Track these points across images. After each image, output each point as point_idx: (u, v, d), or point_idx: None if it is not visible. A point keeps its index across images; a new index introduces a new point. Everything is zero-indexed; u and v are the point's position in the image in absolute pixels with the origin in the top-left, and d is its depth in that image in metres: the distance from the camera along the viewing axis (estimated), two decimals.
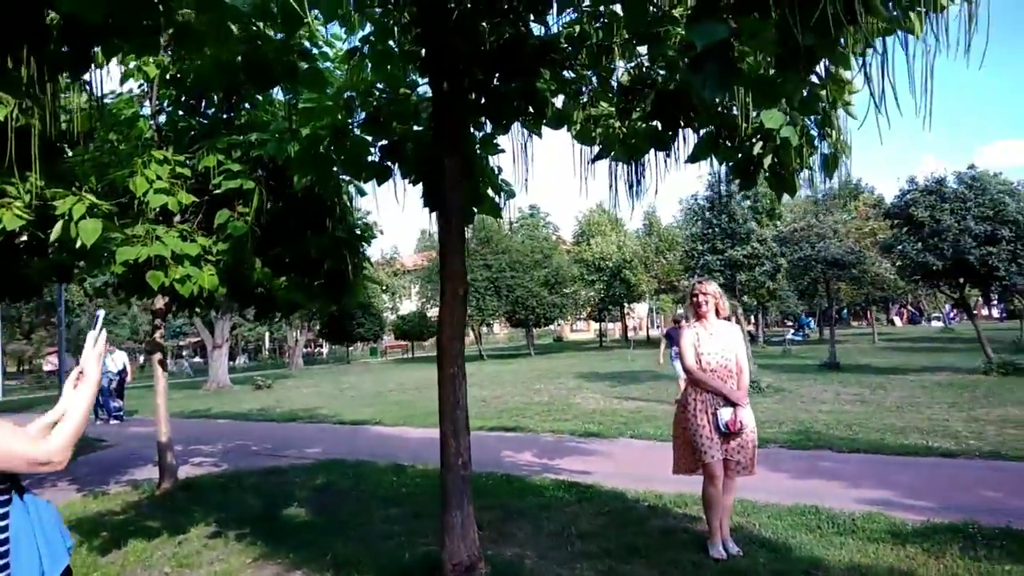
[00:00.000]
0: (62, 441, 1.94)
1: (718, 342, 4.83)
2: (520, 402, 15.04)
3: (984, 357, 15.03)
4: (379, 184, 5.53)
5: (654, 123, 5.33)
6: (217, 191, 6.99)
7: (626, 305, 46.36)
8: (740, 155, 5.22)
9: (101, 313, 2.25)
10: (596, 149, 5.69)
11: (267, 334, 64.93)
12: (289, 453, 10.16)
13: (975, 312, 16.78)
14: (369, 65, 4.92)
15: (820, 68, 4.75)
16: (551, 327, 53.23)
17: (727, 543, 4.68)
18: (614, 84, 5.28)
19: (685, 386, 4.93)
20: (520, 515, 5.83)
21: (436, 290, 35.25)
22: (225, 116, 7.71)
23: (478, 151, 5.80)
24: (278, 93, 6.85)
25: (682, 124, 5.32)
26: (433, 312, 44.77)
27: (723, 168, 5.36)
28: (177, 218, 7.30)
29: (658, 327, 44.10)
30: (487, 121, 5.67)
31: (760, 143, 5.11)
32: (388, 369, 34.77)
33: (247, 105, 7.64)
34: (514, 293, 35.19)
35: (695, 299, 4.96)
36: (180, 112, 7.88)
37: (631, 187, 5.83)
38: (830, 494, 6.18)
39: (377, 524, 5.83)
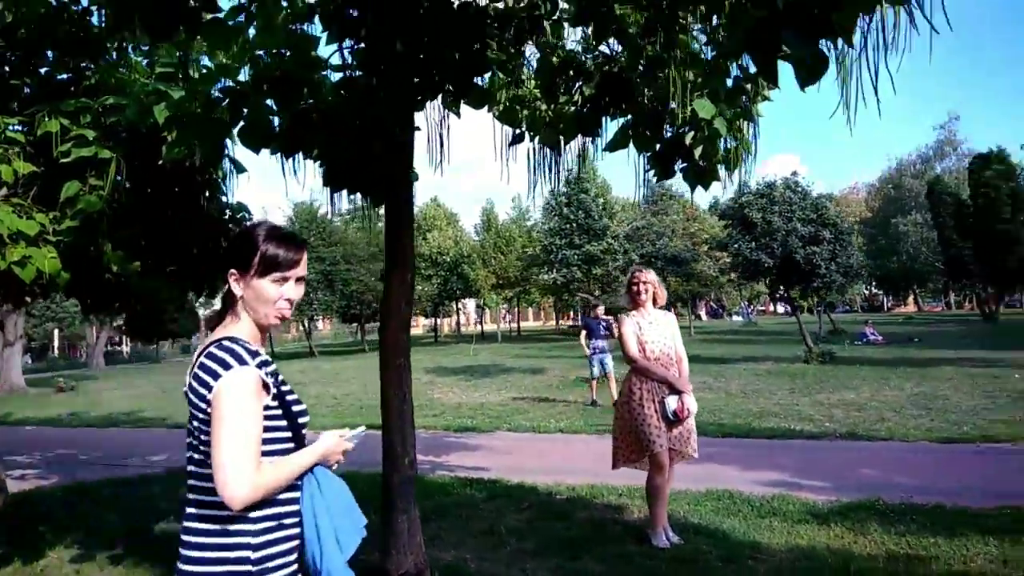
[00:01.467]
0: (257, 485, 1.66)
1: (658, 330, 4.80)
2: (376, 399, 14.42)
3: (805, 347, 16.63)
4: (287, 156, 4.94)
5: (583, 108, 5.22)
6: (65, 160, 5.95)
7: (460, 301, 46.64)
8: (659, 145, 5.22)
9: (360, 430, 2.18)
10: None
11: (56, 331, 58.10)
12: (131, 462, 9.00)
13: (799, 307, 18.55)
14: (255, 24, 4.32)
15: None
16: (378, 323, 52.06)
17: (668, 532, 4.66)
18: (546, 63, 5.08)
19: (628, 377, 4.84)
20: (439, 516, 5.49)
21: None
22: (67, 76, 6.60)
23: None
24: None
25: (616, 110, 5.22)
26: None
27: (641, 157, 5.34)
28: (3, 191, 6.14)
29: (497, 322, 44.61)
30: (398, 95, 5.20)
31: (691, 133, 5.10)
32: None
33: (92, 65, 6.58)
34: (349, 287, 34.05)
35: (634, 287, 4.89)
36: (6, 68, 6.64)
37: (551, 172, 5.69)
38: (728, 478, 6.40)
39: None
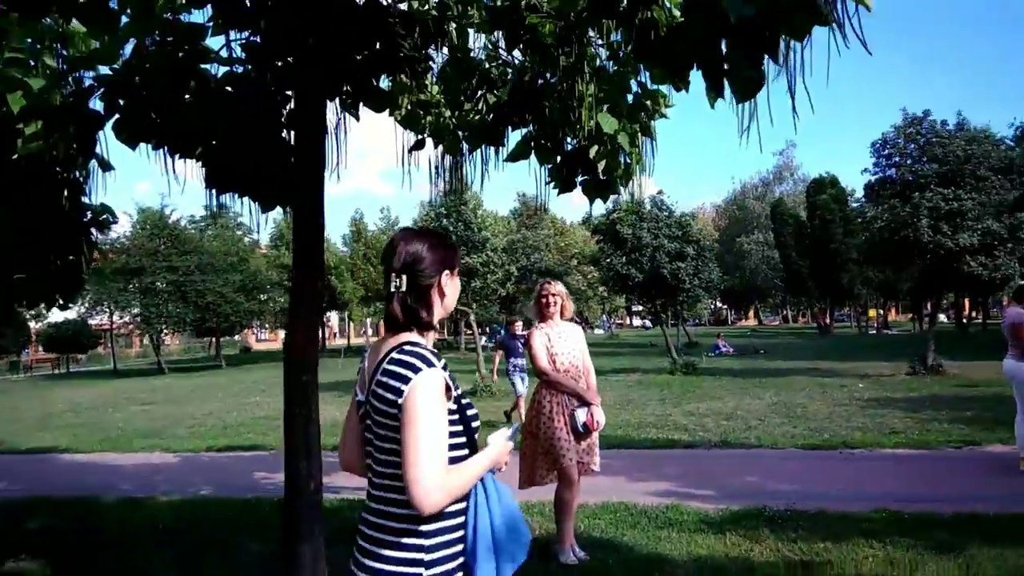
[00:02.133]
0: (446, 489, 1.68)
1: (567, 343, 4.76)
2: (242, 418, 13.61)
3: (670, 359, 17.37)
4: (181, 156, 4.48)
5: (488, 116, 5.12)
6: None
7: (324, 314, 45.04)
8: (559, 158, 5.21)
9: (516, 426, 2.10)
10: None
11: None
12: None
13: (663, 320, 19.39)
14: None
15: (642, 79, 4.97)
16: (235, 337, 49.54)
17: (575, 548, 4.60)
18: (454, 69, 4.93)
19: (537, 390, 4.74)
20: (337, 541, 5.13)
21: (106, 292, 30.57)
22: None
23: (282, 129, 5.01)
24: None
25: (521, 120, 5.15)
26: (98, 320, 38.91)
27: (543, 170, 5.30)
28: None
29: (364, 335, 43.49)
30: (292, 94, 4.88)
31: (595, 147, 5.09)
32: (41, 387, 29.28)
33: None
34: (204, 299, 32.03)
35: (543, 299, 4.82)
36: None
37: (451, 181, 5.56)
38: (620, 490, 6.45)
39: (161, 572, 4.71)
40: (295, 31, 4.19)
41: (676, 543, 4.85)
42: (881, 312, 51.23)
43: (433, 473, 1.63)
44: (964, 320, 38.63)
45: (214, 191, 4.53)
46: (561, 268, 18.02)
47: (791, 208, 43.76)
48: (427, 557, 1.71)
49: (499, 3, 4.61)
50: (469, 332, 49.04)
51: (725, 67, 2.38)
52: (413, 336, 1.82)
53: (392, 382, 1.71)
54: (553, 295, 4.81)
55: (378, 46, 4.54)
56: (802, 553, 4.52)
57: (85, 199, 6.21)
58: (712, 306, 74.43)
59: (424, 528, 1.71)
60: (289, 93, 4.48)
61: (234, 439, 10.82)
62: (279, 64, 4.32)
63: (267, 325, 40.08)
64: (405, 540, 1.71)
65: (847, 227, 37.22)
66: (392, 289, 1.84)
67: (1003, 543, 4.43)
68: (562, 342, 4.75)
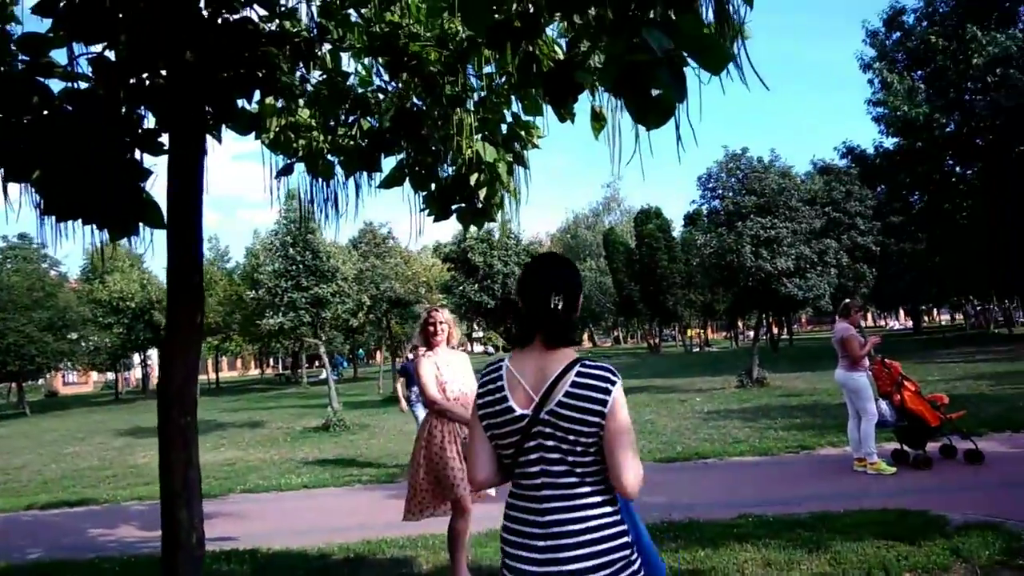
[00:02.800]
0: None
1: (455, 370, 4.70)
2: (62, 471, 12.17)
3: None
4: (15, 180, 4.00)
5: (362, 141, 5.02)
6: None
7: (145, 352, 41.58)
8: (434, 185, 5.21)
9: None
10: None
11: None
12: None
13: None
14: None
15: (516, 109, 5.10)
16: (39, 382, 44.40)
17: None
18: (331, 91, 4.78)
19: (427, 420, 4.62)
20: None
21: None
22: None
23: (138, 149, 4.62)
24: None
25: (397, 147, 5.09)
26: None
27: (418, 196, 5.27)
28: None
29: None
30: (147, 113, 4.53)
31: (475, 175, 5.13)
32: None
33: None
34: (5, 340, 28.42)
35: (431, 327, 4.74)
36: None
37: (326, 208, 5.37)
38: (498, 517, 6.42)
39: None
40: (153, 47, 3.90)
41: None
42: (700, 331, 55.33)
43: (639, 469, 1.90)
44: (774, 337, 42.49)
45: (53, 219, 4.07)
46: (411, 296, 17.85)
47: (621, 237, 46.32)
48: (629, 539, 1.96)
49: (378, 29, 4.55)
50: (310, 366, 47.18)
51: (652, 94, 2.48)
52: (573, 351, 1.99)
53: (593, 393, 1.87)
54: (441, 322, 4.75)
55: (245, 65, 4.33)
56: (686, 563, 4.72)
57: None
58: None
59: (615, 509, 1.94)
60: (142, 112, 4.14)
61: (58, 494, 9.65)
62: (132, 82, 4.00)
63: (79, 367, 36.26)
64: (606, 520, 1.90)
65: (671, 254, 39.98)
66: (552, 307, 1.96)
67: (859, 537, 4.88)
68: (450, 370, 4.69)
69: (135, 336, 35.24)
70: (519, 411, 1.93)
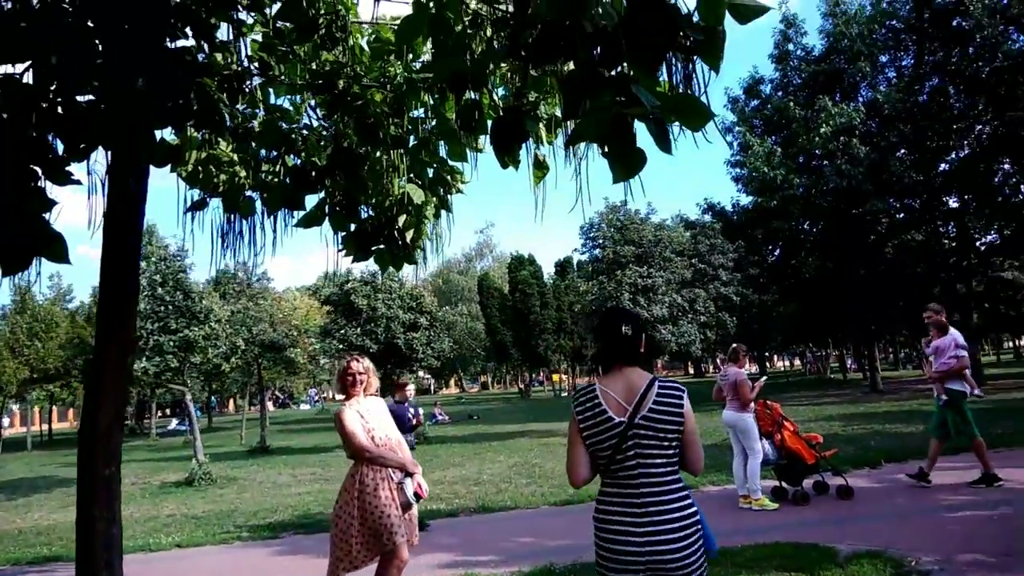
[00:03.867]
0: None
1: (377, 417, 4.62)
2: None
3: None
4: None
5: (285, 178, 4.91)
6: None
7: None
8: (354, 225, 5.18)
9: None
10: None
11: None
12: None
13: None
14: None
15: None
16: None
17: None
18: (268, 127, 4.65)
19: (356, 469, 4.46)
20: None
21: None
22: None
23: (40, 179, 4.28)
24: None
25: (321, 185, 5.01)
26: None
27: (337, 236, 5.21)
28: None
29: (29, 424, 36.31)
30: (56, 139, 4.24)
31: (403, 216, 5.14)
32: None
33: None
34: None
35: (350, 377, 4.63)
36: None
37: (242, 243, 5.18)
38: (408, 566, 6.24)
39: None
40: (70, 70, 3.67)
41: None
42: (564, 376, 56.66)
43: (703, 453, 2.70)
44: None
45: None
46: (287, 340, 17.16)
47: (495, 282, 46.99)
48: (697, 514, 2.58)
49: (316, 67, 4.50)
50: (161, 415, 43.66)
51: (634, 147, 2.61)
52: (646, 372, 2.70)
53: (674, 401, 2.57)
54: (360, 372, 4.66)
55: (182, 96, 4.14)
56: None
57: None
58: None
59: (688, 491, 2.61)
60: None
61: None
62: (43, 106, 3.73)
63: None
64: (686, 504, 2.54)
65: (543, 300, 40.98)
66: (623, 334, 2.69)
67: (762, 570, 5.16)
68: (374, 417, 4.61)
69: None
70: (617, 419, 2.57)
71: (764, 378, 8.91)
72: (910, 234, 22.12)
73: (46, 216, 3.84)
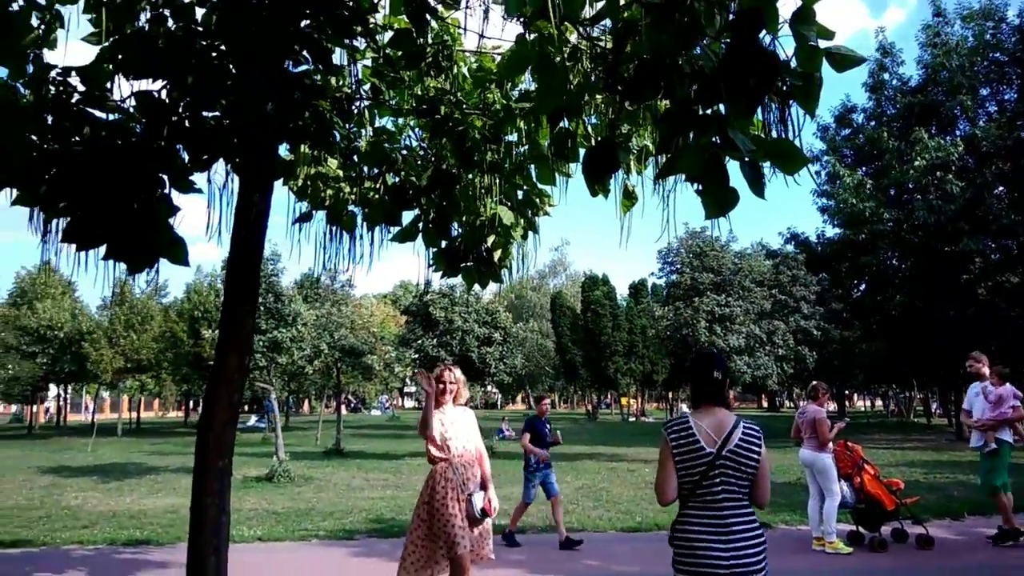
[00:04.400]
0: None
1: (460, 428, 4.78)
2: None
3: None
4: (42, 208, 4.02)
5: (385, 196, 5.18)
6: None
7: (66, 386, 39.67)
8: (445, 243, 5.40)
9: None
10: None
11: None
12: None
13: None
14: None
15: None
16: None
17: None
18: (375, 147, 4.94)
19: (431, 476, 4.66)
20: None
21: None
22: None
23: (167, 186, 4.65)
24: None
25: (423, 203, 5.26)
26: None
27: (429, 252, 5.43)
28: None
29: (120, 411, 38.47)
30: (183, 150, 4.61)
31: (493, 236, 5.31)
32: None
33: None
34: None
35: (441, 385, 4.82)
36: None
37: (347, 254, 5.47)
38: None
39: None
40: (203, 89, 4.02)
41: None
42: (633, 401, 55.94)
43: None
44: None
45: (73, 246, 4.07)
46: (365, 347, 17.73)
47: (568, 301, 47.01)
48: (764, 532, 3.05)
49: (421, 92, 4.76)
50: (241, 411, 45.31)
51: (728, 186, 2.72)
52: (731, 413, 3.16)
53: (755, 440, 3.01)
54: (451, 382, 4.84)
55: (301, 117, 4.47)
56: None
57: None
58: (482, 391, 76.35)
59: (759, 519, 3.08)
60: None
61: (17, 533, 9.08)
62: (174, 119, 4.09)
63: None
64: (758, 527, 3.00)
65: (616, 322, 40.75)
66: (714, 378, 3.16)
67: None
68: (455, 427, 4.78)
69: (59, 367, 33.55)
70: (708, 449, 2.96)
71: (845, 420, 8.72)
72: (1005, 276, 21.03)
73: (170, 221, 4.23)
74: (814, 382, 8.13)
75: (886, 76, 23.81)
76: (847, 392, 57.47)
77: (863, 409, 66.92)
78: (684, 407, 64.92)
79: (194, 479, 3.35)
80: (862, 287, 24.13)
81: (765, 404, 68.80)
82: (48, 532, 9.18)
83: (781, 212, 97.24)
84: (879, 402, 60.63)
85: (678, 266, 16.71)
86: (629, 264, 63.48)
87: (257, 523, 9.57)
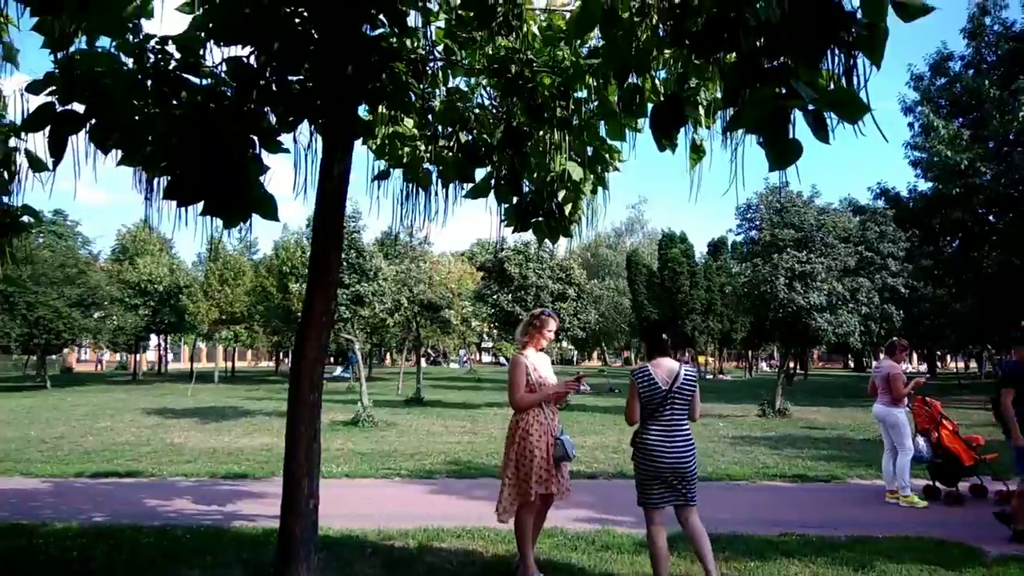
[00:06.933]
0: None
1: (546, 371, 4.99)
2: (102, 442, 12.53)
3: None
4: (145, 168, 4.38)
5: (458, 153, 5.37)
6: None
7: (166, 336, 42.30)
8: (516, 199, 5.55)
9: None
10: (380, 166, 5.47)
11: None
12: None
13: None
14: None
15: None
16: (53, 357, 44.95)
17: (536, 571, 4.79)
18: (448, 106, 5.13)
19: (523, 416, 4.78)
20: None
21: None
22: None
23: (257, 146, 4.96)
24: None
25: (497, 161, 5.42)
26: None
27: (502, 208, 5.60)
28: None
29: (215, 360, 40.75)
30: (270, 112, 4.88)
31: (562, 192, 5.43)
32: None
33: None
34: (35, 312, 29.00)
35: (547, 332, 5.02)
36: None
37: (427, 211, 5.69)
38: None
39: None
40: (288, 54, 4.28)
41: (620, 564, 5.18)
42: (711, 359, 55.23)
43: None
44: (789, 370, 42.51)
45: (174, 204, 4.43)
46: (443, 302, 18.26)
47: (644, 259, 46.56)
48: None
49: (492, 52, 4.90)
50: (328, 363, 47.25)
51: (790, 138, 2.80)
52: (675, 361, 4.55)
53: (692, 379, 4.49)
54: (552, 331, 5.06)
55: (378, 79, 4.70)
56: (736, 571, 5.00)
57: (6, 199, 5.76)
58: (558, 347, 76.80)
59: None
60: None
61: (103, 465, 10.00)
62: (261, 83, 4.37)
63: (103, 345, 36.80)
64: (692, 437, 4.50)
65: (693, 280, 40.19)
66: (663, 339, 4.61)
67: (900, 560, 5.14)
68: (544, 369, 4.97)
69: (160, 319, 35.78)
70: (663, 387, 4.40)
71: (925, 376, 8.56)
72: None
73: (261, 179, 4.56)
74: (894, 338, 7.99)
75: (987, 20, 22.18)
76: (938, 353, 55.19)
77: (955, 370, 64.12)
78: (764, 366, 63.72)
79: (288, 409, 3.71)
80: (955, 244, 23.03)
81: (852, 364, 66.78)
82: (155, 465, 10.06)
83: (872, 169, 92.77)
84: (973, 364, 57.91)
85: (757, 222, 16.35)
86: (709, 223, 62.33)
87: (344, 462, 10.19)
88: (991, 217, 21.56)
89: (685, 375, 4.42)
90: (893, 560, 5.13)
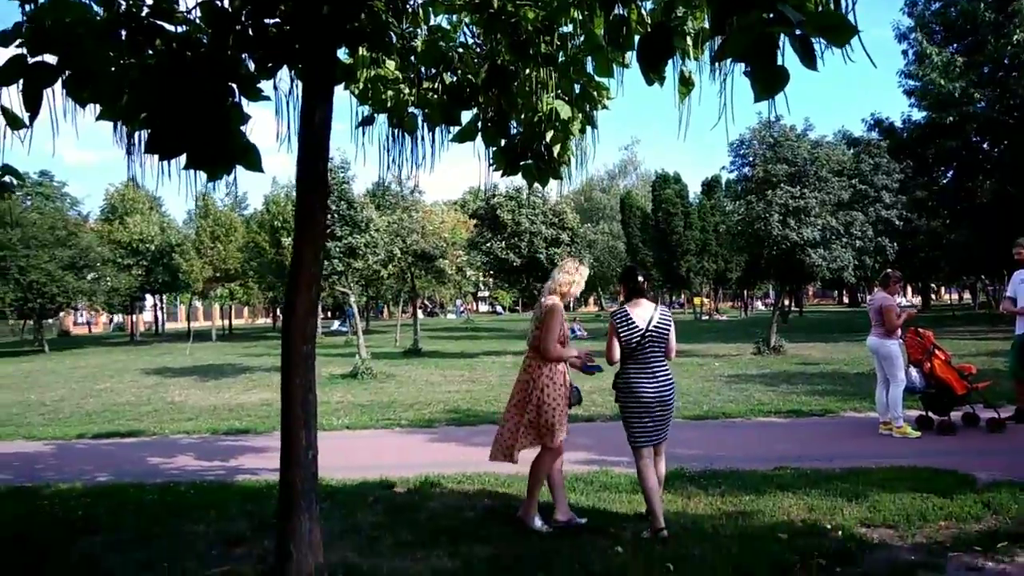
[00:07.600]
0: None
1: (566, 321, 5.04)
2: (102, 404, 12.62)
3: None
4: (124, 122, 4.24)
5: (444, 96, 5.23)
6: None
7: (161, 295, 42.19)
8: (505, 141, 5.43)
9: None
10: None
11: None
12: None
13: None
14: None
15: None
16: (49, 320, 44.94)
17: (560, 515, 4.84)
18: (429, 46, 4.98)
19: (545, 363, 4.76)
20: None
21: None
22: None
23: (236, 95, 4.82)
24: None
25: (481, 102, 5.29)
26: None
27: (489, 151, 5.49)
28: None
29: (212, 318, 40.79)
30: (248, 59, 4.72)
31: (550, 132, 5.31)
32: None
33: None
34: (28, 276, 28.83)
35: (580, 284, 4.98)
36: None
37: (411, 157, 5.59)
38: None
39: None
40: None
41: (619, 503, 5.25)
42: (706, 300, 55.48)
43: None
44: (784, 307, 42.74)
45: (155, 158, 4.32)
46: (437, 251, 18.19)
47: (638, 201, 46.30)
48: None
49: None
50: (324, 317, 47.69)
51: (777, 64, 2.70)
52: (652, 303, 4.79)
53: (667, 319, 4.69)
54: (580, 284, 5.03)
55: (356, 19, 4.54)
56: (732, 505, 5.07)
57: None
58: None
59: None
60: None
61: (104, 426, 10.07)
62: (238, 29, 4.22)
63: (98, 307, 36.74)
64: (671, 373, 4.74)
65: (688, 220, 40.08)
66: (641, 281, 4.82)
67: (894, 489, 5.22)
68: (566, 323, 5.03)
69: (154, 279, 35.68)
70: (640, 327, 4.60)
71: (914, 307, 8.58)
72: None
73: (243, 129, 4.44)
74: (887, 270, 7.97)
75: None
76: (932, 285, 55.48)
77: (949, 302, 64.64)
78: (759, 305, 64.01)
79: (282, 362, 3.68)
80: (949, 174, 22.88)
81: (846, 300, 67.20)
82: (157, 424, 10.13)
83: (868, 100, 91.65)
84: (967, 295, 58.31)
85: (751, 159, 16.20)
86: (704, 161, 61.67)
87: (344, 414, 10.27)
88: (985, 145, 21.35)
89: (660, 315, 4.62)
90: (886, 490, 5.21)
